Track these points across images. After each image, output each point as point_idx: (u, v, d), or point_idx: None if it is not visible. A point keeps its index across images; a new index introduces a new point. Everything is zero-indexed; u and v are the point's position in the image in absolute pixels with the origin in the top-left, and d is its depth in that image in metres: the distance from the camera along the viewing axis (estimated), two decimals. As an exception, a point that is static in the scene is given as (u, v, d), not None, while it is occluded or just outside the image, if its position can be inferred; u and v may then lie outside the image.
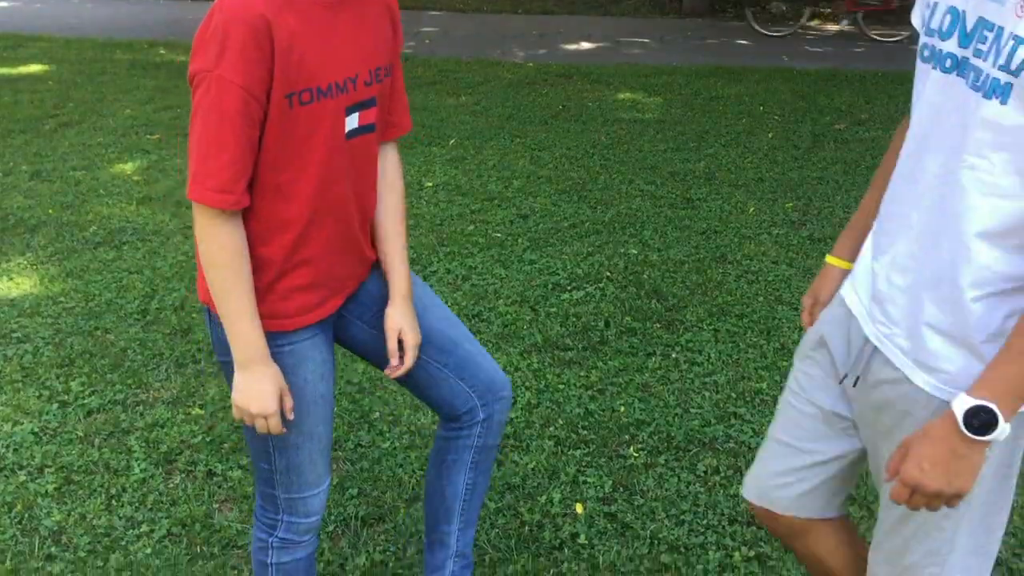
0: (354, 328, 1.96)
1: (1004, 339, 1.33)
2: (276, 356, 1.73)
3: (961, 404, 1.31)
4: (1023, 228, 1.30)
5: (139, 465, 2.97)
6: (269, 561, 1.94)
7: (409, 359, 1.91)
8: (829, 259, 1.80)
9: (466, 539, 2.19)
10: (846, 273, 1.77)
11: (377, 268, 1.97)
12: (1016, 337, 1.29)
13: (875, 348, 1.51)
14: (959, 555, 1.47)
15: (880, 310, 1.50)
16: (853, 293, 1.60)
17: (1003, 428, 1.29)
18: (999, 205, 1.29)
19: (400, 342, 1.92)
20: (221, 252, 1.60)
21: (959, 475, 1.32)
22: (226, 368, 1.77)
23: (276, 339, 1.74)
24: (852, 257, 1.76)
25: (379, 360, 1.99)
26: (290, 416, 1.75)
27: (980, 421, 1.28)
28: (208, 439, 3.11)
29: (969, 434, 1.30)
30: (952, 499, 1.34)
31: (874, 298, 1.52)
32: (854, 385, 1.57)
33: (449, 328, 2.00)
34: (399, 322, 1.90)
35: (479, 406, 2.01)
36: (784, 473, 1.74)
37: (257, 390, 1.67)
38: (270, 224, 1.68)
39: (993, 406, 1.28)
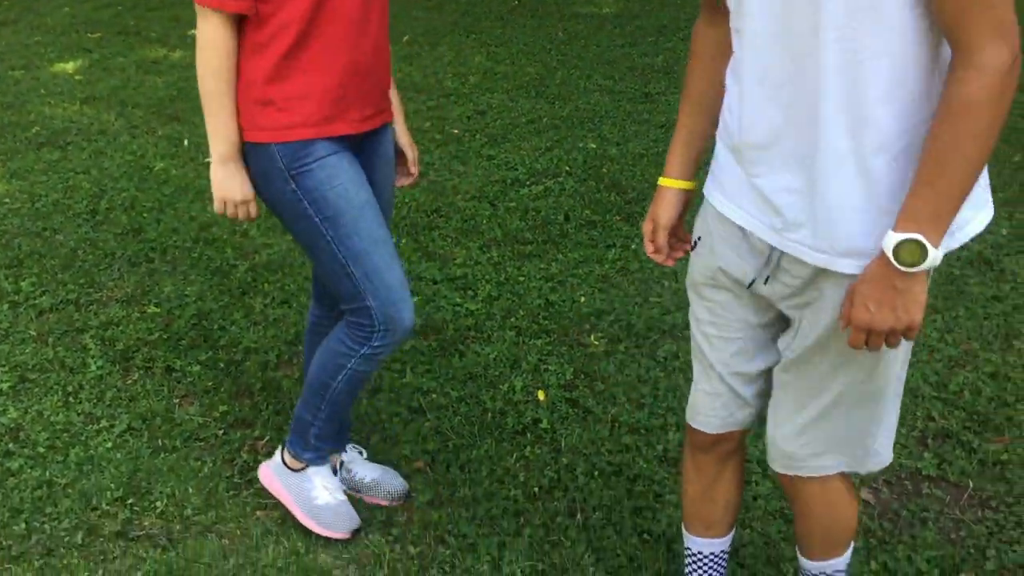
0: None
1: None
2: (307, 175, 1.87)
3: (890, 242, 1.33)
4: (905, 81, 1.32)
5: (95, 363, 2.93)
6: (349, 366, 2.07)
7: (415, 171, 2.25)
8: (663, 181, 1.74)
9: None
10: (682, 193, 1.74)
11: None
12: (924, 168, 1.31)
13: (782, 253, 1.51)
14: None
15: (780, 219, 1.48)
16: (738, 210, 1.56)
17: (934, 256, 1.32)
18: (878, 66, 1.31)
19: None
20: (214, 54, 1.80)
21: (906, 309, 1.36)
22: (272, 196, 1.94)
23: (300, 155, 1.87)
24: (686, 175, 1.73)
25: None
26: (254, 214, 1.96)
27: (910, 254, 1.32)
28: (165, 336, 3.07)
29: (903, 269, 1.33)
30: (908, 332, 1.38)
31: (767, 208, 1.49)
32: (765, 283, 1.57)
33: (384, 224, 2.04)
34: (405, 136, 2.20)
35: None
36: (729, 398, 1.74)
37: (238, 180, 1.89)
38: (264, 33, 1.81)
39: (920, 237, 1.31)
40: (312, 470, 2.29)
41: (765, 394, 1.73)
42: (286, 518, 2.32)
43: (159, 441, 2.62)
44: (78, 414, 2.72)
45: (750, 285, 1.60)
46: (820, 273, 1.48)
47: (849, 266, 1.43)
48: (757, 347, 1.69)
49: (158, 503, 2.40)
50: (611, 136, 4.71)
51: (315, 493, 2.27)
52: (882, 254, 1.35)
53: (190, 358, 2.96)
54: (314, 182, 1.88)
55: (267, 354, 3.00)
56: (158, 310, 3.21)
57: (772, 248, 1.52)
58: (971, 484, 2.47)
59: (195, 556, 2.24)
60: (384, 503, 2.39)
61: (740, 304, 1.65)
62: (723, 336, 1.69)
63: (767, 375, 1.71)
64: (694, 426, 1.80)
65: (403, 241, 3.74)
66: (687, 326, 3.17)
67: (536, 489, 2.48)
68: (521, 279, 3.47)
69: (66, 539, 2.28)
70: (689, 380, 2.88)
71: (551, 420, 2.73)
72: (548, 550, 2.28)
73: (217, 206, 1.93)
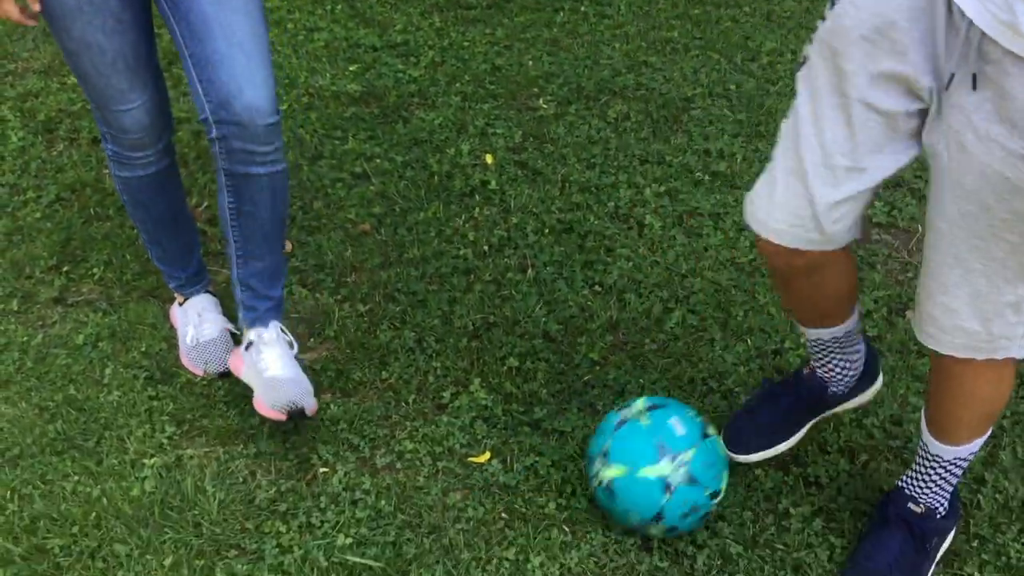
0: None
1: None
2: None
3: None
4: None
5: (16, 135, 2.76)
6: (113, 173, 1.94)
7: None
8: None
9: (249, 271, 1.87)
10: None
11: None
12: None
13: (982, 34, 1.18)
14: None
15: None
16: None
17: None
18: None
19: None
20: None
21: None
22: None
23: None
24: None
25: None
26: (35, 7, 1.62)
27: None
28: (88, 107, 2.89)
29: None
30: None
31: None
32: (947, 87, 1.26)
33: (219, 17, 1.65)
34: None
35: (212, 122, 1.68)
36: (828, 206, 1.40)
37: None
38: None
39: None
40: (189, 303, 2.13)
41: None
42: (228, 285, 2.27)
43: (91, 210, 2.51)
44: (2, 185, 2.58)
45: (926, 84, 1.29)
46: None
47: None
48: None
49: (95, 270, 2.32)
50: None
51: (185, 329, 2.10)
52: None
53: (118, 128, 2.80)
54: None
55: (198, 123, 2.84)
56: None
57: (970, 26, 1.20)
58: (920, 228, 2.48)
59: (138, 319, 2.18)
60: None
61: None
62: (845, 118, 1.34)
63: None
64: (755, 230, 1.49)
65: (339, 7, 3.51)
66: (638, 87, 3.07)
67: (486, 247, 2.44)
68: (466, 44, 3.31)
69: (1, 307, 2.21)
70: (640, 140, 2.82)
71: (500, 182, 2.66)
72: (499, 304, 2.26)
73: None
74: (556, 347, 2.15)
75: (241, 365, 1.92)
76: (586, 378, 2.07)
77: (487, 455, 1.90)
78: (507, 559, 1.69)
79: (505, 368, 2.08)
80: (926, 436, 1.59)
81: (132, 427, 1.91)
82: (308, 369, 2.05)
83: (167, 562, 1.66)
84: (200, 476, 1.82)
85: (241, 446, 1.89)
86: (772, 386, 1.88)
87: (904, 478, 1.68)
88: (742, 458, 1.81)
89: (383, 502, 1.79)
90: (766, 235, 1.48)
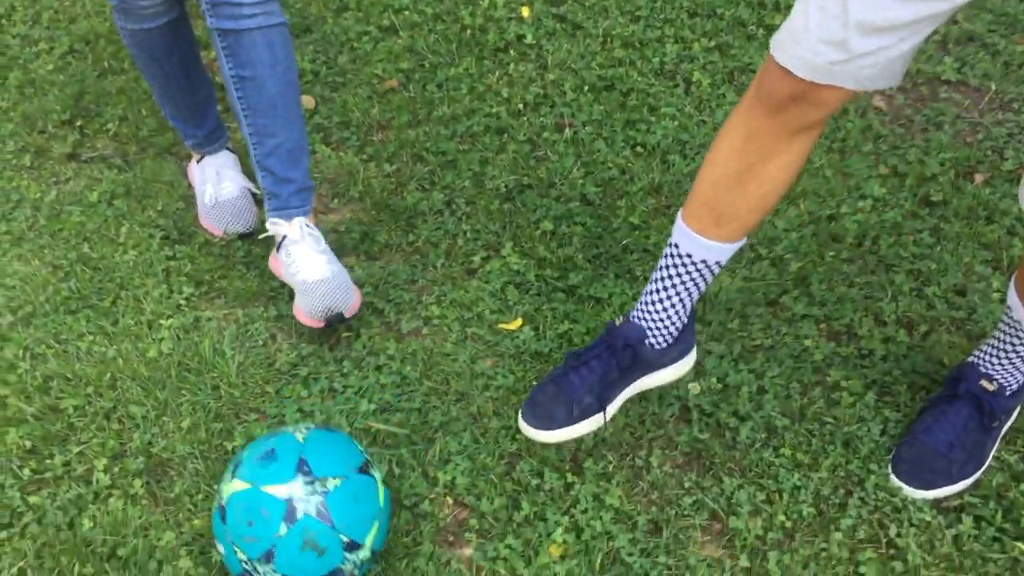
0: None
1: None
2: None
3: None
4: None
5: (26, -16, 2.61)
6: (120, 26, 1.77)
7: None
8: None
9: (265, 150, 1.73)
10: None
11: None
12: None
13: None
14: None
15: None
16: None
17: None
18: None
19: None
20: None
21: None
22: None
23: None
24: None
25: None
26: None
27: None
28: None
29: None
30: None
31: None
32: None
33: None
34: None
35: None
36: (866, 29, 1.14)
37: None
38: None
39: None
40: (207, 160, 2.01)
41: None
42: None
43: (105, 63, 2.38)
44: (13, 36, 2.46)
45: None
46: None
47: None
48: None
49: (110, 125, 2.20)
50: None
51: (203, 188, 1.98)
52: None
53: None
54: None
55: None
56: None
57: None
58: (993, 87, 2.27)
59: (154, 176, 2.08)
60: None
61: None
62: None
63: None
64: (777, 59, 1.21)
65: None
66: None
67: (520, 106, 2.28)
68: None
69: (13, 162, 2.11)
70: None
71: (537, 36, 2.48)
72: (533, 165, 2.12)
73: None
74: (593, 210, 2.01)
75: (279, 266, 1.81)
76: (625, 242, 1.94)
77: (519, 322, 1.79)
78: (538, 428, 1.60)
79: (539, 232, 1.96)
80: (1013, 300, 1.44)
81: (148, 287, 1.83)
82: (332, 232, 1.95)
83: (184, 424, 1.60)
84: (218, 338, 1.75)
85: (261, 308, 1.81)
86: (577, 353, 1.61)
87: (977, 352, 1.55)
88: (542, 436, 1.55)
89: (408, 368, 1.70)
90: (787, 63, 1.19)
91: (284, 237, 1.78)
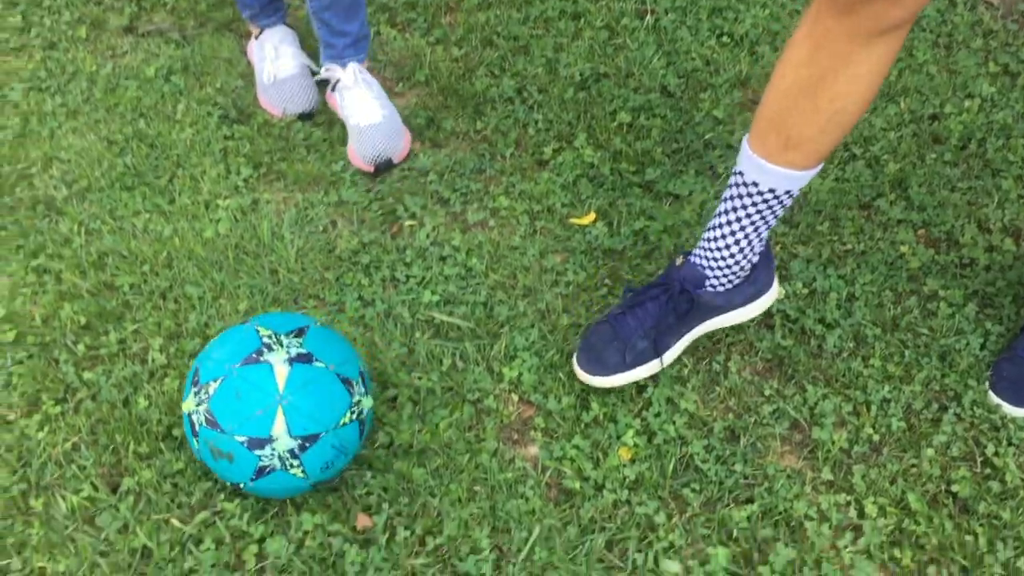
0: None
1: None
2: None
3: None
4: None
5: None
6: None
7: None
8: None
9: (321, 3, 1.71)
10: None
11: None
12: None
13: None
14: None
15: None
16: None
17: None
18: None
19: None
20: None
21: None
22: None
23: None
24: None
25: None
26: None
27: None
28: None
29: None
30: None
31: None
32: None
33: None
34: None
35: None
36: None
37: None
38: None
39: None
40: (265, 36, 1.90)
41: None
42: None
43: (163, -66, 2.27)
44: (68, -95, 2.35)
45: None
46: None
47: None
48: None
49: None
50: None
51: (262, 66, 1.89)
52: None
53: None
54: None
55: None
56: None
57: None
58: (1121, -19, 2.07)
59: (213, 53, 1.99)
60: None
61: None
62: None
63: None
64: None
65: None
66: None
67: (598, -10, 2.13)
68: None
69: (69, 33, 2.03)
70: None
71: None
72: (611, 53, 1.99)
73: None
74: (674, 103, 1.88)
75: (335, 105, 1.83)
76: (707, 137, 1.81)
77: (591, 217, 1.69)
78: (609, 327, 1.51)
79: (615, 124, 1.84)
80: None
81: (206, 167, 1.76)
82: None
83: (241, 307, 1.53)
84: (277, 222, 1.67)
85: (322, 193, 1.73)
86: (635, 290, 1.47)
87: None
88: (594, 381, 1.40)
89: (474, 260, 1.62)
90: None
91: (338, 80, 1.80)
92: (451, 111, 1.88)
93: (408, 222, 1.68)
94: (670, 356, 1.43)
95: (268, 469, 1.19)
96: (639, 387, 1.43)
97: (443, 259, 1.62)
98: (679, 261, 1.41)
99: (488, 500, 1.30)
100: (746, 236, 1.32)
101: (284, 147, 1.80)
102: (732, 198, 1.29)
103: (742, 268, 1.38)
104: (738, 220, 1.30)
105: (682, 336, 1.43)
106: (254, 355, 1.20)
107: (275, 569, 1.23)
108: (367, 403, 1.27)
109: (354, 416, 1.23)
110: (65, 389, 1.42)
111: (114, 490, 1.30)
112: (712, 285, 1.39)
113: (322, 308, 1.54)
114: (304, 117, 1.85)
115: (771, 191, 1.25)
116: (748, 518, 1.28)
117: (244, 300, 1.54)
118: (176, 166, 1.76)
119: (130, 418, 1.37)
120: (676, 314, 1.40)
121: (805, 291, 1.55)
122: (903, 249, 1.61)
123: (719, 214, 1.33)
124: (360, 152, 1.74)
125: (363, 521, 1.28)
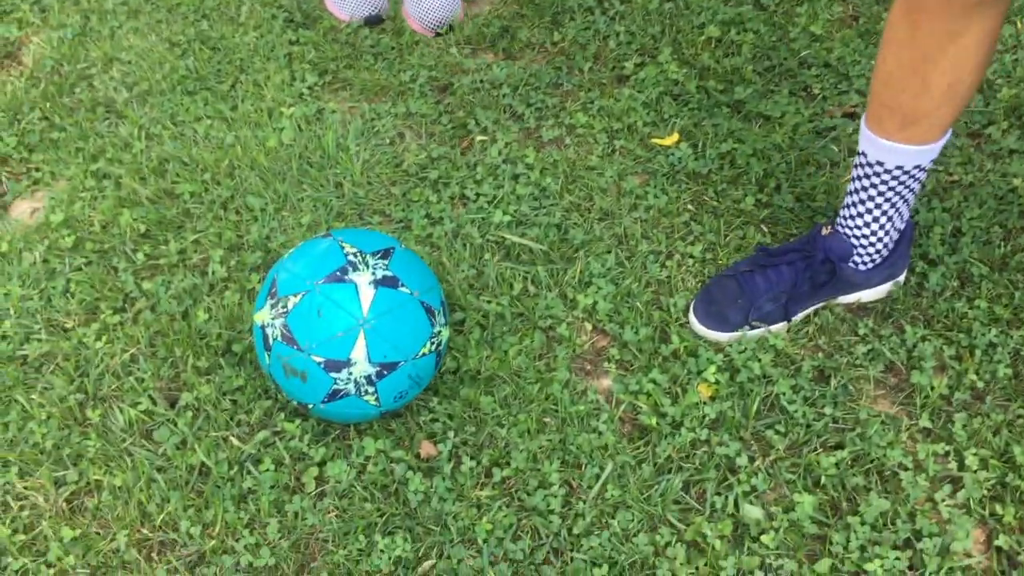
0: None
1: None
2: None
3: None
4: None
5: None
6: None
7: None
8: None
9: None
10: None
11: None
12: None
13: None
14: None
15: None
16: None
17: None
18: None
19: None
20: None
21: None
22: None
23: None
24: None
25: None
26: None
27: None
28: None
29: None
30: None
31: None
32: None
33: None
34: None
35: None
36: None
37: None
38: None
39: None
40: None
41: None
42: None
43: None
44: None
45: None
46: None
47: None
48: None
49: None
50: None
51: None
52: None
53: None
54: None
55: None
56: None
57: None
58: None
59: (278, -47, 1.89)
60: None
61: None
62: None
63: None
64: None
65: None
66: None
67: None
68: None
69: (130, -71, 1.95)
70: None
71: None
72: (700, -39, 1.85)
73: None
74: (768, 17, 1.75)
75: None
76: (803, 55, 1.68)
77: (675, 137, 1.58)
78: (692, 256, 1.42)
79: (703, 38, 1.72)
80: None
81: (270, 72, 1.68)
82: (468, 25, 1.74)
83: (304, 220, 1.47)
84: (343, 132, 1.59)
85: (389, 104, 1.64)
86: (769, 251, 1.37)
87: None
88: (711, 335, 1.32)
89: (548, 179, 1.52)
90: None
91: None
92: (527, 20, 1.77)
93: (479, 137, 1.59)
94: (795, 319, 1.35)
95: (342, 393, 1.13)
96: (722, 320, 1.34)
97: (515, 178, 1.53)
98: (826, 230, 1.32)
99: (558, 433, 1.23)
100: (885, 213, 1.25)
101: (351, 54, 1.72)
102: (861, 178, 1.23)
103: (885, 246, 1.30)
104: (871, 199, 1.24)
105: (812, 305, 1.35)
106: (338, 272, 1.12)
107: (335, 494, 1.18)
108: (445, 334, 1.20)
109: (433, 347, 1.17)
110: (124, 298, 1.37)
111: (172, 404, 1.26)
112: (855, 262, 1.32)
113: (388, 225, 1.47)
114: (372, 22, 1.76)
115: (899, 167, 1.18)
116: (837, 464, 1.19)
117: (307, 213, 1.48)
118: (239, 71, 1.68)
119: (189, 331, 1.32)
120: (812, 284, 1.32)
121: (905, 224, 1.43)
122: (1015, 182, 1.48)
123: (852, 192, 1.26)
124: (420, 16, 1.75)
125: (427, 449, 1.22)
